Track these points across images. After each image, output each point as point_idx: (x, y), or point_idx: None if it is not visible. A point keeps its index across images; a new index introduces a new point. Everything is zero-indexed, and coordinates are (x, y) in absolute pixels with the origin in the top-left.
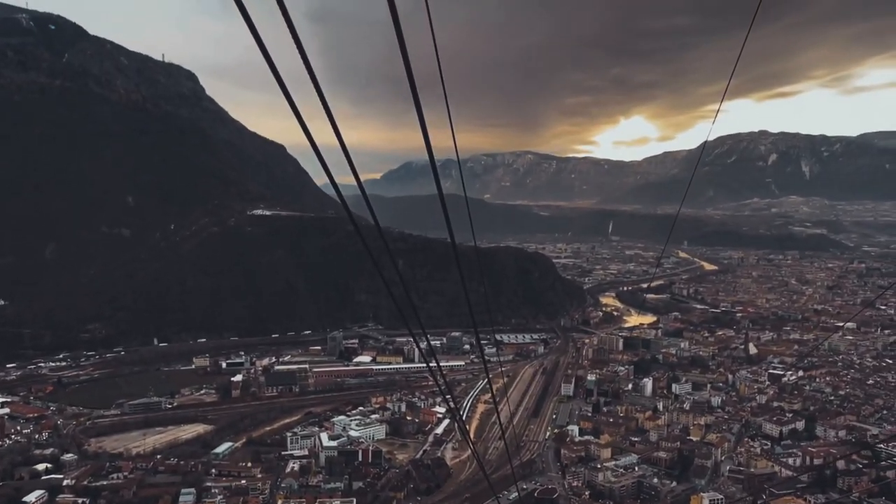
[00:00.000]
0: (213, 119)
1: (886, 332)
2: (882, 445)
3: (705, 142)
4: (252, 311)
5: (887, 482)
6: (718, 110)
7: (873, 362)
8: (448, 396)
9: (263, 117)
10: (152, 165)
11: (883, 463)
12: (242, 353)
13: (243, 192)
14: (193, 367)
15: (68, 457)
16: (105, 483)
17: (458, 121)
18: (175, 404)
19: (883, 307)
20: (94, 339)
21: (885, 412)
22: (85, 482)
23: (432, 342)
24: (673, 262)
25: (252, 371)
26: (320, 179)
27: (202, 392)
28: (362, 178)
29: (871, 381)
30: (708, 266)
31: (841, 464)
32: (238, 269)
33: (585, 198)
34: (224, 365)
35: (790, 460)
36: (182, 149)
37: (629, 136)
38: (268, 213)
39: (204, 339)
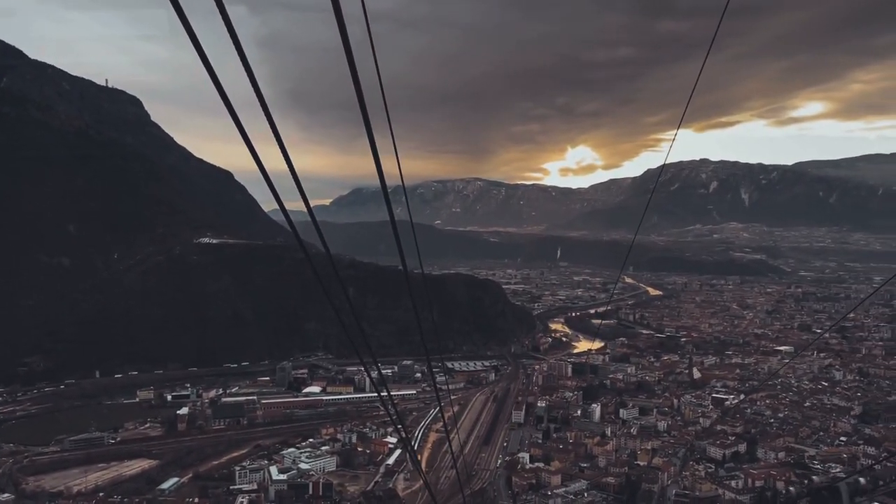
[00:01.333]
0: (158, 145)
1: (822, 355)
2: (817, 465)
3: (662, 166)
4: (198, 342)
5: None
6: (675, 136)
7: (810, 385)
8: (399, 426)
9: (210, 143)
10: (95, 193)
11: (817, 479)
12: (188, 385)
13: (190, 219)
14: (137, 400)
15: (5, 497)
16: None
17: (409, 147)
18: (118, 439)
19: (818, 330)
20: (33, 372)
21: (821, 433)
22: None
23: (384, 371)
24: (619, 288)
25: (199, 403)
26: (268, 206)
27: (147, 426)
28: (312, 203)
29: (807, 404)
30: (653, 291)
31: (780, 484)
32: (184, 298)
33: (534, 224)
34: (169, 398)
35: (733, 483)
36: (126, 175)
37: (576, 164)
38: (215, 241)
39: (148, 372)
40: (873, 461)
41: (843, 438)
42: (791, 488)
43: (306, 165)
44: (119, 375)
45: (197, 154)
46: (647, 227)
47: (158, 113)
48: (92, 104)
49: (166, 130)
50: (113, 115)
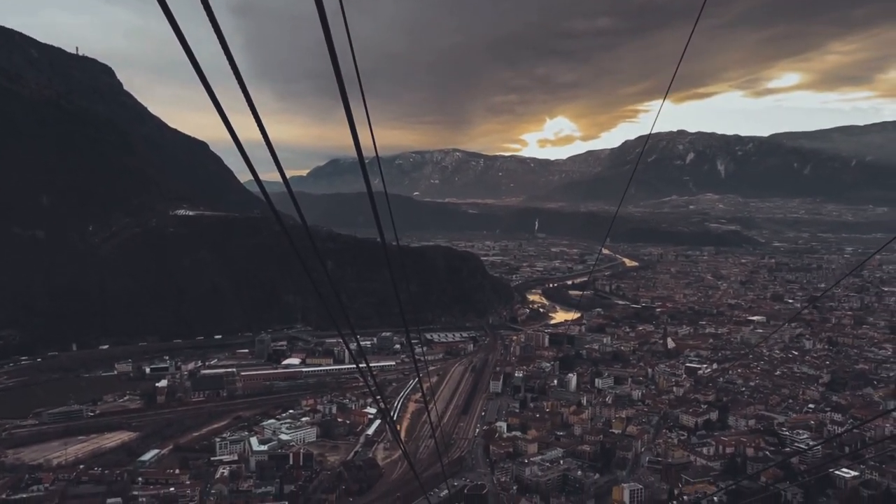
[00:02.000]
0: (132, 115)
1: (793, 325)
2: (786, 432)
3: (648, 137)
4: (176, 315)
5: (790, 466)
6: (661, 106)
7: (781, 354)
8: (378, 397)
9: (184, 113)
10: (68, 164)
11: (787, 449)
12: (167, 357)
13: (165, 191)
14: (115, 372)
15: None
16: (25, 496)
17: (386, 118)
18: (97, 412)
19: (790, 300)
20: (8, 345)
21: (790, 401)
22: (3, 496)
23: (362, 342)
24: (596, 259)
25: (177, 376)
26: (245, 177)
27: (126, 399)
28: (288, 174)
29: (778, 372)
30: (629, 262)
31: (750, 451)
32: (160, 271)
33: (512, 195)
34: (148, 370)
35: (704, 450)
36: (99, 146)
37: (554, 136)
38: (191, 213)
39: (126, 344)
40: (840, 428)
41: (811, 406)
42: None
43: (282, 135)
44: (96, 348)
45: (171, 124)
46: (624, 199)
47: (131, 82)
48: (62, 73)
49: (139, 100)
50: (84, 84)
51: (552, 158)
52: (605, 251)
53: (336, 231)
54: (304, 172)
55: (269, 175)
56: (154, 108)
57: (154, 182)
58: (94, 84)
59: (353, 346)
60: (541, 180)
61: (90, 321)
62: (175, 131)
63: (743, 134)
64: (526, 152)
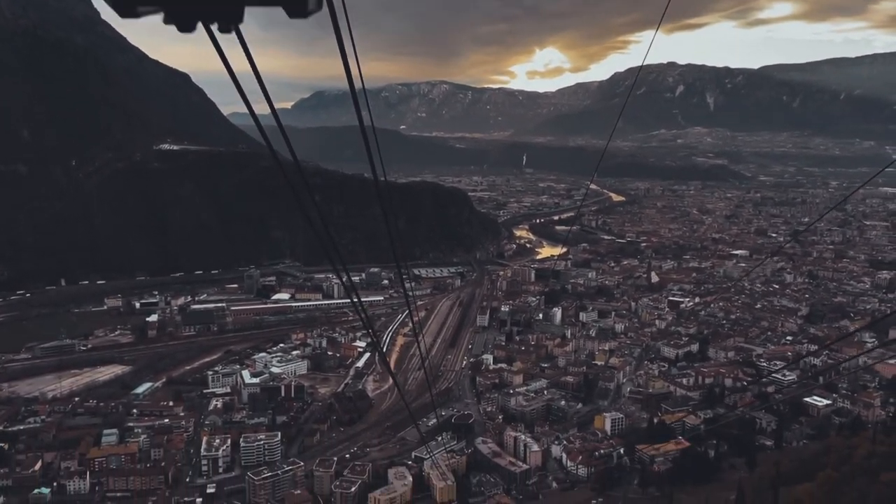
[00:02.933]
0: (111, 46)
1: (775, 259)
2: (763, 363)
3: (639, 69)
4: (163, 250)
5: (766, 396)
6: (654, 36)
7: (762, 287)
8: (370, 331)
9: (165, 43)
10: (47, 97)
11: (764, 380)
12: (156, 292)
13: (148, 125)
14: (105, 307)
15: None
16: (22, 427)
17: (371, 48)
18: (89, 346)
19: (773, 235)
20: None
21: (769, 333)
22: (0, 427)
23: (352, 277)
24: (582, 194)
25: (167, 311)
26: (228, 109)
27: (117, 333)
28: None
29: (759, 306)
30: (616, 197)
31: (728, 381)
32: (146, 206)
33: (501, 129)
34: (138, 305)
35: (684, 380)
36: (79, 78)
37: (543, 67)
38: (175, 147)
39: (114, 280)
40: (816, 359)
41: (789, 338)
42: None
43: (265, 67)
44: (84, 283)
45: (152, 55)
46: (612, 133)
47: (109, 11)
48: (36, 2)
49: (118, 30)
50: (60, 13)
51: (541, 91)
52: (592, 186)
53: (322, 166)
54: (289, 105)
55: (255, 107)
56: (133, 39)
57: (136, 115)
58: (69, 13)
59: (344, 279)
60: (529, 114)
61: (78, 256)
62: (156, 62)
63: (733, 66)
64: (514, 84)
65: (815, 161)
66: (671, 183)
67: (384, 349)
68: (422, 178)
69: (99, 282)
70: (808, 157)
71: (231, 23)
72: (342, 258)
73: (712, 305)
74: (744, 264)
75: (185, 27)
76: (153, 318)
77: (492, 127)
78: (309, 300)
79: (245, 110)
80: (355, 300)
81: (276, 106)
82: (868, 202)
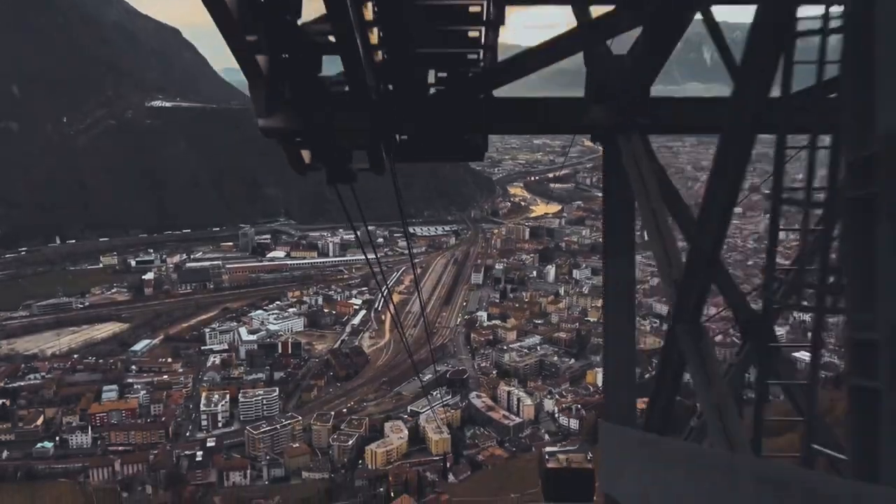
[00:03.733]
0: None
1: (768, 216)
2: None
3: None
4: (157, 208)
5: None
6: None
7: (755, 245)
8: (383, 286)
9: None
10: (36, 52)
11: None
12: (151, 250)
13: (139, 81)
14: (101, 265)
15: None
16: (23, 384)
17: None
18: (87, 304)
19: (767, 191)
20: None
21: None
22: (1, 384)
23: (346, 236)
24: (578, 151)
25: (163, 269)
26: (219, 65)
27: (114, 291)
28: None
29: (750, 263)
30: None
31: (718, 338)
32: (139, 164)
33: None
34: (133, 263)
35: None
36: (68, 34)
37: (541, 22)
38: (167, 104)
39: (109, 237)
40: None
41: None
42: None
43: None
44: (79, 241)
45: (141, 10)
46: None
47: None
48: None
49: None
50: None
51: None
52: (587, 143)
53: None
54: None
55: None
56: None
57: (126, 71)
58: None
59: (351, 241)
60: None
61: (71, 214)
62: (146, 17)
63: (731, 21)
64: (509, 38)
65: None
66: (666, 139)
67: (379, 306)
68: None
69: (93, 239)
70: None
71: None
72: (363, 216)
73: None
74: (736, 221)
75: None
76: (149, 275)
77: None
78: (304, 258)
79: (237, 66)
80: (371, 256)
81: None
82: None
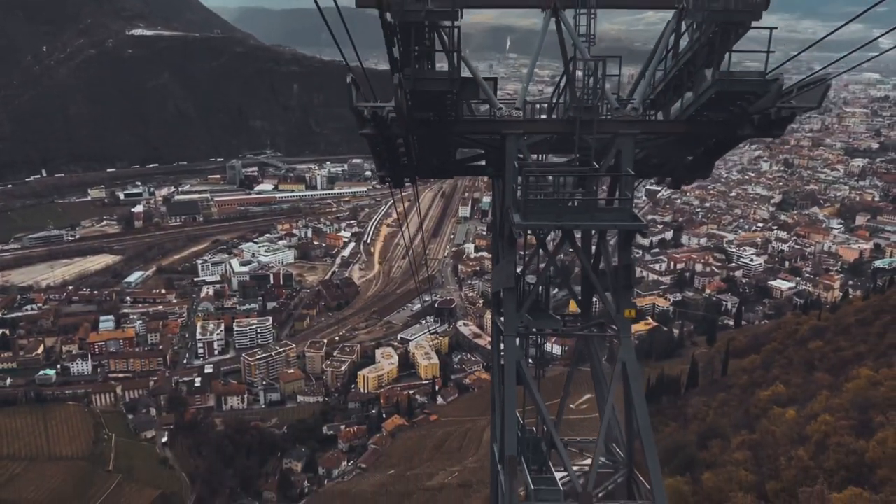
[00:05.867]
0: None
1: (753, 147)
2: (733, 249)
3: None
4: (142, 140)
5: (734, 280)
6: None
7: (738, 176)
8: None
9: None
10: None
11: (732, 264)
12: (139, 183)
13: (118, 8)
14: (90, 198)
15: None
16: (21, 314)
17: None
18: (77, 236)
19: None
20: None
21: (741, 220)
22: None
23: (333, 169)
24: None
25: (152, 201)
26: None
27: (104, 223)
28: None
29: (733, 193)
30: None
31: (699, 266)
32: (122, 94)
33: (482, 11)
34: (122, 196)
35: (657, 265)
36: None
37: None
38: (148, 32)
39: (94, 170)
40: (784, 245)
41: (759, 224)
42: None
43: None
44: (66, 174)
45: None
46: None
47: None
48: None
49: None
50: None
51: None
52: (578, 73)
53: (300, 52)
54: None
55: None
56: None
57: None
58: None
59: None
60: None
61: (55, 146)
62: None
63: None
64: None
65: (801, 45)
66: None
67: (368, 238)
68: None
69: (79, 172)
70: (794, 41)
71: None
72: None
73: (688, 194)
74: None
75: None
76: (138, 208)
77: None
78: (292, 191)
79: None
80: (395, 195)
81: None
82: (850, 88)
